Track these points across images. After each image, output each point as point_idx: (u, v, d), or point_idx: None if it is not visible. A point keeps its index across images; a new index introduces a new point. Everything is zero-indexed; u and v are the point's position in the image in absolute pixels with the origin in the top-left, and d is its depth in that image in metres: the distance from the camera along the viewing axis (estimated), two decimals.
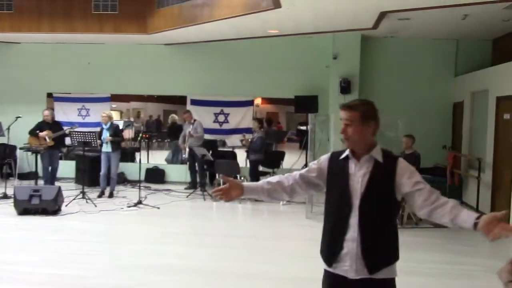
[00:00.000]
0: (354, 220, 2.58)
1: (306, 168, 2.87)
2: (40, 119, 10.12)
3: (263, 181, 2.86)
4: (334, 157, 2.77)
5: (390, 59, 11.28)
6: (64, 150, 13.92)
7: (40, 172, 10.07)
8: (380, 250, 2.57)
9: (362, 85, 10.90)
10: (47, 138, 9.83)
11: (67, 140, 10.36)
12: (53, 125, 10.04)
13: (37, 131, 9.81)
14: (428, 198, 2.52)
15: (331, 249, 2.71)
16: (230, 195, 2.75)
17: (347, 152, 2.71)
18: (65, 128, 10.09)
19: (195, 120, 11.01)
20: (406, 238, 7.40)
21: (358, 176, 2.63)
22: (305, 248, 6.79)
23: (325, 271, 2.83)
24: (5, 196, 9.20)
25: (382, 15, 8.68)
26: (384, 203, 2.58)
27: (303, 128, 21.47)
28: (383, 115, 9.31)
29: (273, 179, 2.86)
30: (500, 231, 2.20)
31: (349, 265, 2.59)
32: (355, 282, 2.58)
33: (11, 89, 12.36)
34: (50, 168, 10.14)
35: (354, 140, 2.64)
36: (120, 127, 10.95)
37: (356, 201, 2.59)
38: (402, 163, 2.63)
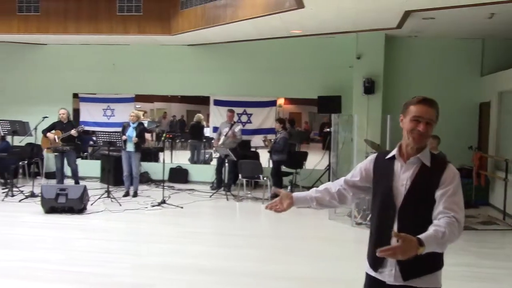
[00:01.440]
0: (396, 223, 2.52)
1: (350, 173, 2.86)
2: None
3: (311, 190, 2.87)
4: (380, 158, 2.70)
5: (414, 59, 11.15)
6: (89, 150, 14.15)
7: (67, 171, 10.24)
8: (418, 257, 2.39)
9: (386, 85, 10.80)
10: (56, 138, 9.87)
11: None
12: (67, 125, 10.03)
13: (48, 131, 9.87)
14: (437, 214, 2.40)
15: (375, 253, 2.65)
16: (283, 206, 2.77)
17: (394, 151, 2.62)
18: (78, 129, 10.00)
19: (235, 121, 11.05)
20: None
21: (403, 178, 2.54)
22: (327, 249, 6.76)
23: (367, 274, 2.85)
24: (33, 195, 9.38)
25: (407, 15, 8.59)
26: (426, 208, 2.45)
27: (328, 130, 21.38)
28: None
29: (321, 187, 2.88)
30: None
31: (389, 270, 2.56)
32: None
33: (38, 90, 12.60)
34: (70, 168, 10.20)
35: (428, 140, 2.59)
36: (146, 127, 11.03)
37: (398, 204, 2.51)
38: (450, 171, 2.48)
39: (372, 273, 2.70)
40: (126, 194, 9.99)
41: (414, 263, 2.35)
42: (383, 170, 2.63)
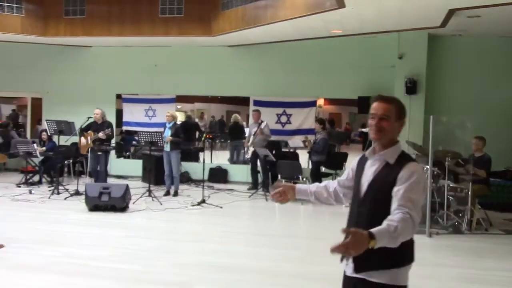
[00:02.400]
0: (356, 218, 2.61)
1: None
2: (108, 119, 10.51)
3: (313, 184, 3.02)
4: (362, 156, 2.78)
5: (458, 58, 10.87)
6: (131, 149, 14.42)
7: (111, 170, 10.44)
8: (371, 252, 2.38)
9: (429, 85, 10.58)
10: (88, 139, 9.98)
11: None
12: (101, 126, 10.06)
13: (85, 131, 9.99)
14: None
15: None
16: (286, 197, 2.92)
17: (371, 148, 2.67)
18: (105, 131, 9.91)
19: (262, 121, 11.09)
20: (474, 244, 7.12)
21: (368, 174, 2.61)
22: None
23: None
24: (77, 193, 9.64)
25: (451, 13, 8.39)
26: (383, 204, 2.44)
27: (366, 130, 21.13)
28: (452, 115, 9.05)
29: (322, 183, 3.00)
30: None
31: (349, 261, 2.58)
32: (353, 280, 2.58)
33: (82, 91, 12.95)
34: (99, 170, 10.11)
35: (386, 134, 2.56)
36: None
37: (360, 200, 2.60)
38: (408, 168, 2.45)
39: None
40: (167, 193, 10.13)
41: (366, 256, 2.34)
42: (358, 167, 2.73)
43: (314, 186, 2.97)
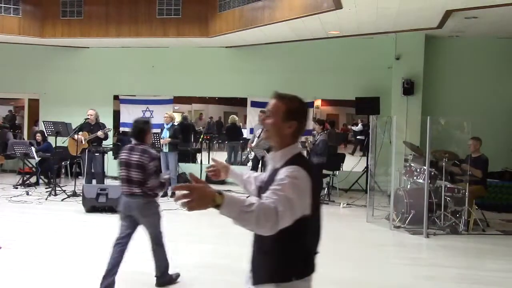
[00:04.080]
0: None
1: None
2: (105, 120, 10.49)
3: (247, 172, 2.92)
4: None
5: (455, 59, 10.90)
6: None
7: (108, 171, 10.43)
8: (262, 264, 2.37)
9: (426, 86, 10.60)
10: (83, 140, 9.91)
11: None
12: (94, 127, 10.02)
13: (76, 133, 9.86)
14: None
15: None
16: (219, 175, 2.84)
17: None
18: (104, 130, 9.96)
19: None
20: (471, 245, 7.14)
21: (265, 176, 2.52)
22: (365, 253, 6.68)
23: None
24: (75, 194, 9.62)
25: (448, 14, 8.41)
26: None
27: (356, 128, 21.11)
28: (449, 116, 9.06)
29: (253, 173, 2.89)
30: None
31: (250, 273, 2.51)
32: None
33: (80, 92, 12.93)
34: (94, 172, 10.04)
35: (270, 134, 2.41)
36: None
37: None
38: (285, 169, 2.27)
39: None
40: (164, 194, 10.10)
41: (259, 270, 2.34)
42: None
43: (246, 175, 2.84)
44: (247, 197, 2.23)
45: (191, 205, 1.92)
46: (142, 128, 5.00)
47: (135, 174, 4.82)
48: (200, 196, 1.92)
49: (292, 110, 2.39)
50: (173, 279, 5.26)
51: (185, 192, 1.91)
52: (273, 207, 2.05)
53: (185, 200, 1.91)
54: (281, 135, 2.39)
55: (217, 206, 1.96)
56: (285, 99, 2.42)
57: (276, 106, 2.40)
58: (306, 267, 2.42)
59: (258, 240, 2.42)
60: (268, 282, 2.37)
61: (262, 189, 2.44)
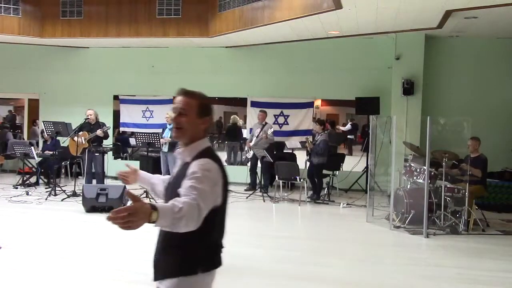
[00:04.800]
0: None
1: None
2: (105, 120, 10.49)
3: (155, 176, 2.90)
4: None
5: (455, 59, 10.91)
6: (129, 150, 14.40)
7: (108, 171, 10.43)
8: (166, 259, 2.37)
9: (426, 86, 10.61)
10: (83, 139, 9.90)
11: (132, 141, 10.50)
12: (94, 126, 10.02)
13: (76, 133, 9.85)
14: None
15: None
16: (128, 180, 2.81)
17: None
18: (103, 128, 9.93)
19: (266, 122, 11.07)
20: (471, 245, 7.14)
21: (174, 172, 2.53)
22: (365, 253, 6.68)
23: None
24: (74, 194, 9.62)
25: (448, 14, 8.41)
26: None
27: (344, 128, 21.11)
28: (449, 116, 9.08)
29: (160, 176, 2.88)
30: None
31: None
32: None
33: (80, 92, 12.93)
34: (94, 172, 10.03)
35: (186, 132, 2.41)
36: None
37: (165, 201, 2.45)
38: (197, 162, 2.29)
39: None
40: None
41: (161, 264, 2.34)
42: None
43: (156, 178, 2.84)
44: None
45: (128, 226, 1.90)
46: None
47: None
48: (137, 217, 1.91)
49: (205, 105, 2.45)
50: None
51: (124, 214, 1.88)
52: (196, 204, 2.10)
53: (123, 221, 1.88)
54: (195, 131, 2.42)
55: (152, 222, 1.98)
56: (195, 95, 2.45)
57: (188, 103, 2.41)
58: (213, 260, 2.43)
59: (164, 235, 2.41)
60: (172, 277, 2.36)
61: (170, 185, 2.47)
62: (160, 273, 2.42)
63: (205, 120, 2.44)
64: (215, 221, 2.36)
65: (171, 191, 2.39)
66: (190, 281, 2.35)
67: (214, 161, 2.33)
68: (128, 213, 1.88)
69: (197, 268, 2.34)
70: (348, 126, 22.91)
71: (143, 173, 2.88)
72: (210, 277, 2.43)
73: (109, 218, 1.88)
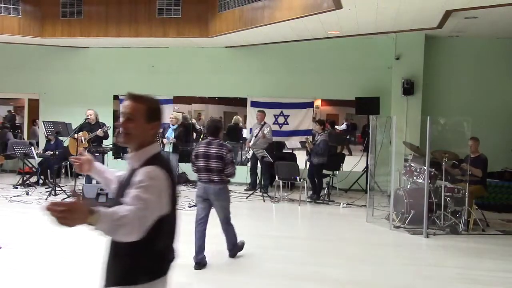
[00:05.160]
0: None
1: None
2: (105, 120, 10.48)
3: (110, 170, 2.86)
4: None
5: (455, 59, 10.91)
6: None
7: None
8: (111, 267, 2.34)
9: (426, 86, 10.61)
10: (83, 139, 9.90)
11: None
12: (94, 126, 10.03)
13: (76, 133, 9.83)
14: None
15: None
16: (82, 168, 2.76)
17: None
18: (103, 128, 9.95)
19: (265, 122, 11.06)
20: (471, 245, 7.14)
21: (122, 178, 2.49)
22: (365, 252, 6.68)
23: None
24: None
25: (448, 14, 8.42)
26: None
27: (339, 128, 21.12)
28: (449, 116, 9.08)
29: (116, 172, 2.82)
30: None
31: None
32: None
33: (80, 92, 12.93)
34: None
35: (134, 137, 2.35)
36: None
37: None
38: (144, 169, 2.25)
39: None
40: None
41: (110, 272, 2.31)
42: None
43: (110, 173, 2.79)
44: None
45: (63, 222, 1.90)
46: (217, 126, 5.96)
47: (215, 163, 5.68)
48: (74, 215, 1.91)
49: (153, 110, 2.39)
50: (241, 246, 6.23)
51: (61, 208, 1.87)
52: (139, 214, 2.07)
53: (59, 215, 1.88)
54: (144, 137, 2.37)
55: (91, 224, 1.97)
56: (143, 99, 2.38)
57: (136, 108, 2.34)
58: (158, 269, 2.39)
59: (112, 243, 2.36)
60: (114, 286, 2.32)
61: (120, 189, 2.43)
62: (107, 280, 2.38)
63: (154, 125, 2.39)
64: (161, 230, 2.31)
65: (120, 192, 2.37)
66: None
67: (161, 168, 2.28)
68: (65, 209, 1.86)
69: (139, 278, 2.31)
70: (343, 126, 22.92)
71: (98, 165, 2.81)
72: (157, 286, 2.38)
73: (46, 208, 1.85)
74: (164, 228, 2.34)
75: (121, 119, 2.35)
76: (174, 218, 2.48)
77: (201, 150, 5.78)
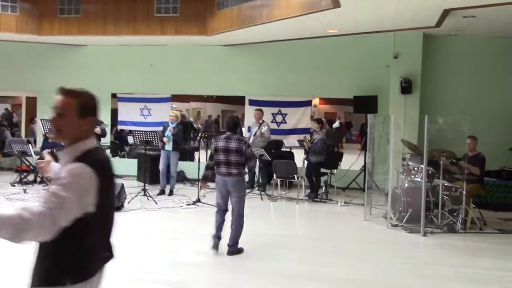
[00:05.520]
0: None
1: None
2: (102, 118, 10.47)
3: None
4: None
5: (453, 58, 10.91)
6: (126, 149, 14.38)
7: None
8: (37, 267, 2.26)
9: (424, 85, 10.62)
10: None
11: (130, 139, 10.45)
12: None
13: None
14: None
15: None
16: (43, 170, 2.81)
17: None
18: (100, 126, 9.83)
19: (263, 121, 11.05)
20: (469, 243, 7.16)
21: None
22: (363, 251, 6.70)
23: None
24: None
25: (446, 13, 8.42)
26: None
27: (333, 126, 21.15)
28: (447, 115, 9.07)
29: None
30: None
31: None
32: None
33: None
34: None
35: (65, 134, 2.29)
36: None
37: None
38: (68, 167, 2.19)
39: None
40: (161, 193, 10.11)
41: (36, 272, 2.23)
42: None
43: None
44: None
45: None
46: (236, 122, 6.42)
47: (234, 157, 6.04)
48: None
49: (87, 105, 2.32)
50: (240, 250, 6.28)
51: None
52: (48, 213, 1.98)
53: None
54: (76, 133, 2.29)
55: None
56: (74, 94, 2.31)
57: (66, 103, 2.27)
58: (85, 270, 2.30)
59: (39, 243, 2.27)
60: (38, 286, 2.24)
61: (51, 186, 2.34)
62: (33, 281, 2.29)
63: (87, 121, 2.31)
64: (88, 230, 2.23)
65: None
66: None
67: (89, 166, 2.18)
68: None
69: (65, 279, 2.21)
70: (336, 124, 23.03)
71: (53, 165, 2.78)
72: (86, 287, 2.29)
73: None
74: (92, 228, 2.25)
75: (52, 115, 2.28)
76: (106, 216, 2.38)
77: (220, 145, 6.12)
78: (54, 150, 10.40)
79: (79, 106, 2.28)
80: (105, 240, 2.45)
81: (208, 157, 6.27)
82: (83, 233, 2.22)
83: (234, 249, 6.20)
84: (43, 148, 11.43)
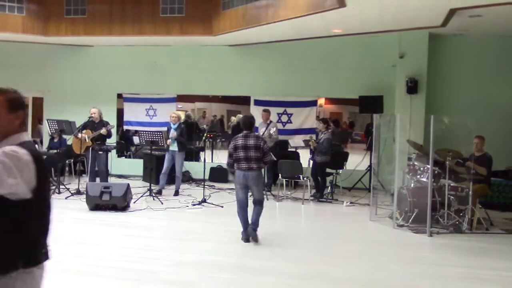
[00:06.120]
0: None
1: None
2: (108, 118, 10.50)
3: None
4: None
5: (459, 57, 10.87)
6: (132, 149, 14.41)
7: (112, 169, 10.43)
8: None
9: (429, 85, 10.58)
10: (86, 138, 9.89)
11: (135, 139, 10.48)
12: (98, 125, 10.03)
13: (79, 132, 9.84)
14: None
15: None
16: None
17: None
18: (107, 127, 9.95)
19: (271, 121, 11.04)
20: (475, 244, 7.13)
21: None
22: (368, 251, 6.68)
23: None
24: (78, 192, 9.65)
25: (452, 12, 8.39)
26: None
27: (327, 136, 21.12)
28: (452, 115, 9.04)
29: None
30: None
31: None
32: None
33: (83, 90, 12.94)
34: (98, 170, 10.04)
35: None
36: None
37: None
38: (5, 148, 2.22)
39: None
40: (159, 192, 10.04)
41: None
42: None
43: None
44: None
45: None
46: (251, 122, 6.92)
47: (253, 153, 6.66)
48: None
49: (14, 100, 2.37)
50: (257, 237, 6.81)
51: None
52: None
53: None
54: (9, 127, 2.35)
55: None
56: (1, 91, 2.37)
57: None
58: (28, 258, 2.31)
59: None
60: None
61: None
62: None
63: (18, 115, 2.37)
64: (28, 218, 2.29)
65: None
66: (3, 280, 2.25)
67: (25, 149, 2.25)
68: None
69: (8, 268, 2.25)
70: (328, 135, 22.99)
71: None
72: (29, 276, 2.32)
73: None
74: (33, 217, 2.31)
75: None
76: (43, 208, 2.41)
77: (239, 142, 6.72)
78: (60, 150, 10.47)
79: (8, 102, 2.34)
80: (44, 235, 2.45)
81: (227, 156, 6.89)
82: (24, 223, 2.27)
83: (256, 227, 6.77)
84: (49, 148, 11.49)
